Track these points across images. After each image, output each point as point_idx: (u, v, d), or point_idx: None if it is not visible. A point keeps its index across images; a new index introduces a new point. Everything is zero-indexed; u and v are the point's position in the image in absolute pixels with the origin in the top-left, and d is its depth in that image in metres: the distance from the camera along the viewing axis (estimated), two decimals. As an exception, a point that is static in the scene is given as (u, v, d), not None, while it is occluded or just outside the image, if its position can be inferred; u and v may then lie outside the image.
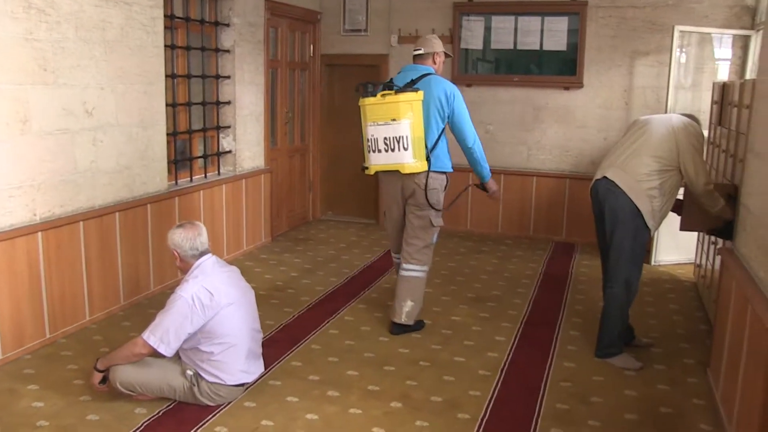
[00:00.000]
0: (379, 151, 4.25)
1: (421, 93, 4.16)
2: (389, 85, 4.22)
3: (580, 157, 6.95)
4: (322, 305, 4.97)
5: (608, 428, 3.32)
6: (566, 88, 6.90)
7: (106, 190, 4.56)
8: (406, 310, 4.42)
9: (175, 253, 3.44)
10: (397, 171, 4.25)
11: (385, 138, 4.20)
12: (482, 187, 4.71)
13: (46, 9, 3.97)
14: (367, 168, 4.37)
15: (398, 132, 4.16)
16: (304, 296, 5.14)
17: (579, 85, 6.83)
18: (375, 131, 4.22)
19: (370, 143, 4.27)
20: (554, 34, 6.88)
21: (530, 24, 6.93)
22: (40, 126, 4.01)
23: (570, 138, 6.97)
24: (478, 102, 7.19)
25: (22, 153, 3.91)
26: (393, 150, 4.21)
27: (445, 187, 4.47)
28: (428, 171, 4.28)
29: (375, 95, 4.20)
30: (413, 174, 4.27)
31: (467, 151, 4.46)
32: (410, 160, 4.20)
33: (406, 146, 4.17)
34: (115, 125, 4.60)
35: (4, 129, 3.77)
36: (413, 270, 4.49)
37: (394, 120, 4.15)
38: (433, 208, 4.38)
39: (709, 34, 6.28)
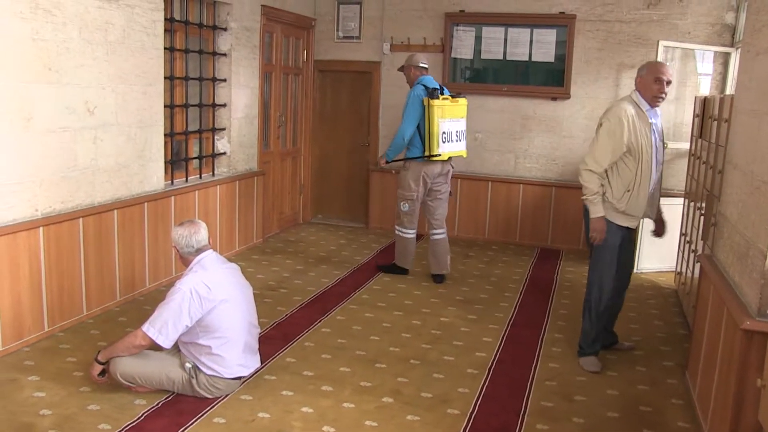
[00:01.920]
0: (452, 141, 5.61)
1: (465, 99, 5.78)
2: (441, 91, 5.56)
3: (567, 166, 7.13)
4: (314, 305, 5.09)
5: (591, 425, 3.46)
6: (554, 99, 7.08)
7: (105, 187, 4.66)
8: (449, 262, 5.87)
9: (174, 249, 3.57)
10: (452, 156, 5.69)
11: (457, 131, 5.66)
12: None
13: (53, 10, 4.07)
14: (439, 155, 5.53)
15: (462, 127, 5.74)
16: (297, 296, 5.26)
17: (566, 95, 7.01)
18: (450, 126, 5.59)
19: (445, 135, 5.54)
20: (543, 46, 7.06)
21: (520, 35, 7.11)
22: (43, 124, 4.10)
23: (557, 147, 7.15)
24: (468, 111, 7.32)
25: (26, 149, 4.00)
26: (459, 140, 5.71)
27: None
28: None
29: (438, 98, 5.46)
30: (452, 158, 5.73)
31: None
32: (464, 148, 5.85)
33: (463, 138, 5.78)
34: (115, 124, 4.70)
35: (8, 126, 3.87)
36: (444, 231, 5.83)
37: (462, 118, 5.72)
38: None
39: (692, 49, 6.50)
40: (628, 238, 4.20)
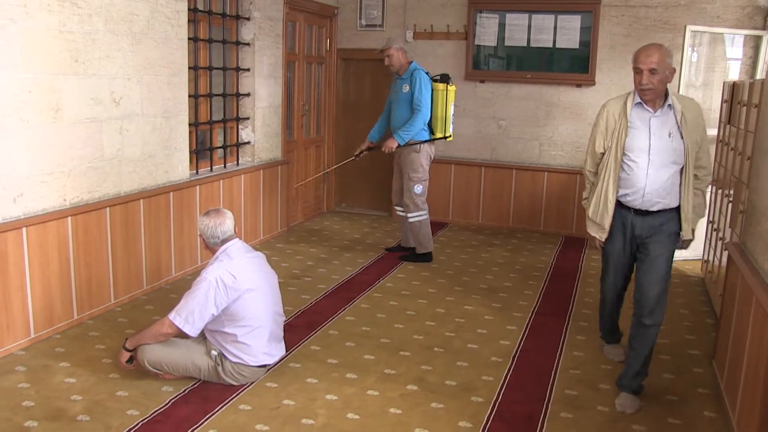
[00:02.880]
0: (451, 124, 5.92)
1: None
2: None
3: (591, 153, 7.05)
4: (339, 293, 5.11)
5: (616, 414, 3.44)
6: (578, 86, 7.01)
7: (131, 177, 4.71)
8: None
9: (200, 238, 3.60)
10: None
11: (452, 114, 5.93)
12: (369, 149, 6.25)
13: (79, 2, 4.11)
14: (450, 136, 5.92)
15: (452, 111, 5.98)
16: (321, 284, 5.29)
17: (591, 82, 6.94)
18: (451, 110, 5.89)
19: (451, 118, 5.89)
20: (567, 32, 6.99)
21: (544, 22, 7.05)
22: (70, 115, 4.16)
23: (581, 135, 7.08)
24: (491, 98, 7.31)
25: (54, 140, 4.06)
26: (452, 123, 5.98)
27: None
28: None
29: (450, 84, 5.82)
30: None
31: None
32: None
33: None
34: (140, 115, 4.74)
35: (38, 117, 3.92)
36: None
37: (453, 103, 5.94)
38: None
39: (721, 34, 6.38)
40: (646, 253, 3.57)
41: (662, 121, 3.45)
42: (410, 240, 6.12)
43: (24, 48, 3.79)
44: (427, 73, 5.77)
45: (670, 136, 3.42)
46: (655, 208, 3.50)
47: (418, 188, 5.86)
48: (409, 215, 5.92)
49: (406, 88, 5.76)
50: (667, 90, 3.45)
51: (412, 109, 5.72)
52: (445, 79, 5.79)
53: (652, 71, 3.31)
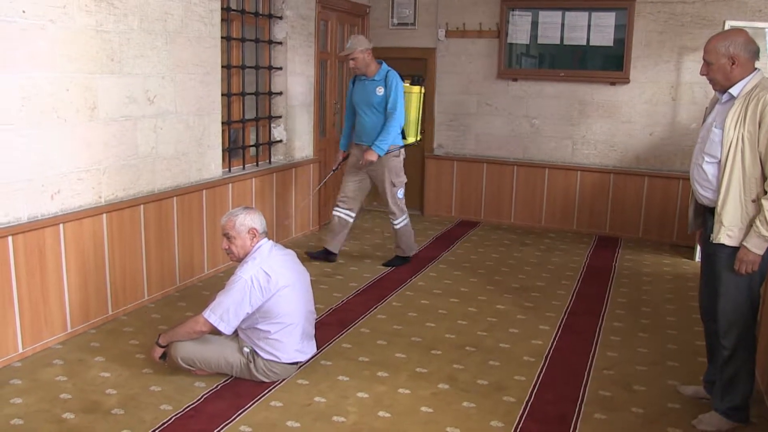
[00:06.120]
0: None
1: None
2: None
3: (625, 152, 6.97)
4: (370, 291, 5.11)
5: (651, 415, 3.38)
6: (612, 84, 6.91)
7: (164, 175, 4.76)
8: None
9: (253, 232, 3.56)
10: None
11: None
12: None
13: (115, 2, 4.17)
14: (420, 140, 5.91)
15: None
16: (352, 282, 5.29)
17: (625, 80, 6.84)
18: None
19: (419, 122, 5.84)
20: (601, 30, 6.90)
21: (577, 19, 6.96)
22: (106, 113, 4.21)
23: (615, 133, 6.99)
24: (524, 96, 7.25)
25: (90, 138, 4.12)
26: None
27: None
28: None
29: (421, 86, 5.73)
30: None
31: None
32: None
33: None
34: (174, 113, 4.79)
35: (74, 115, 3.98)
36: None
37: None
38: None
39: (762, 29, 6.24)
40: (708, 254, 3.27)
41: (719, 111, 3.17)
42: (340, 244, 5.79)
43: (62, 48, 3.85)
44: (418, 76, 5.68)
45: (714, 127, 3.12)
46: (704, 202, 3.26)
47: (401, 192, 5.65)
48: (396, 221, 5.68)
49: (380, 91, 5.39)
50: (743, 79, 3.06)
51: (386, 113, 5.39)
52: (418, 81, 5.55)
53: (707, 62, 3.11)
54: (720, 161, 3.07)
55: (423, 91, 5.59)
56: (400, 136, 5.56)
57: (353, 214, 5.75)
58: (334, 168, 5.99)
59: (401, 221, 5.71)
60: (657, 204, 6.86)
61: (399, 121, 5.42)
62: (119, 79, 4.28)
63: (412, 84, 5.51)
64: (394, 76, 5.41)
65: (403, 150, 5.63)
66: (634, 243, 6.79)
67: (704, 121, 3.34)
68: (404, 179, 5.66)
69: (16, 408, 3.26)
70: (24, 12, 3.60)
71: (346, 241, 5.98)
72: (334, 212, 5.75)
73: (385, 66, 5.48)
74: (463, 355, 4.01)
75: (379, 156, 5.39)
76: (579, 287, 5.37)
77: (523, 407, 3.41)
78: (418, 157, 7.84)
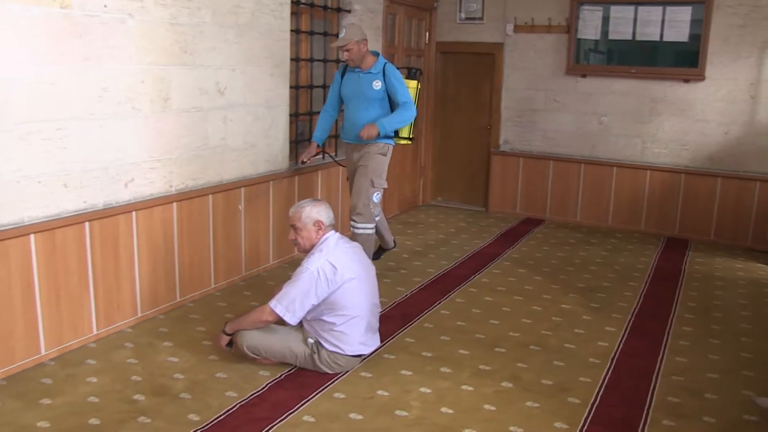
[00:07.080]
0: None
1: None
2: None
3: (698, 151, 6.74)
4: (434, 286, 5.09)
5: (724, 426, 3.26)
6: (686, 81, 6.70)
7: (232, 166, 4.84)
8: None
9: (319, 224, 3.59)
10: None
11: None
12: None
13: (189, -5, 4.26)
14: (413, 138, 5.30)
15: None
16: (416, 277, 5.29)
17: (700, 77, 6.61)
18: None
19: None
20: (676, 25, 6.69)
21: (651, 14, 6.76)
22: (178, 104, 4.30)
23: (687, 132, 6.77)
24: (592, 93, 7.10)
25: (163, 128, 4.22)
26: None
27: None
28: None
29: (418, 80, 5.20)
30: None
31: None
32: None
33: None
34: (243, 105, 4.86)
35: (149, 106, 4.09)
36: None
37: None
38: None
39: None
40: None
41: None
42: (390, 238, 5.54)
43: (139, 41, 3.95)
44: (416, 69, 5.24)
45: None
46: None
47: (378, 196, 5.06)
48: (359, 225, 4.99)
49: (377, 85, 4.90)
50: None
51: (382, 109, 4.95)
52: (415, 74, 5.12)
53: None
54: None
55: (419, 86, 5.14)
56: (392, 136, 5.07)
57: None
58: (303, 160, 5.24)
59: (364, 228, 5.02)
60: (731, 206, 6.62)
61: (412, 113, 4.92)
62: (191, 71, 4.37)
63: (408, 77, 5.03)
64: (392, 68, 4.95)
65: (391, 149, 5.11)
66: (705, 246, 6.57)
67: None
68: (385, 184, 5.09)
69: (92, 387, 3.38)
70: (105, 6, 3.71)
71: (412, 236, 5.85)
72: (354, 229, 5.09)
73: (381, 58, 5.00)
74: (527, 354, 3.96)
75: (379, 134, 4.83)
76: (647, 289, 5.23)
77: (588, 409, 3.34)
78: (483, 153, 7.78)
